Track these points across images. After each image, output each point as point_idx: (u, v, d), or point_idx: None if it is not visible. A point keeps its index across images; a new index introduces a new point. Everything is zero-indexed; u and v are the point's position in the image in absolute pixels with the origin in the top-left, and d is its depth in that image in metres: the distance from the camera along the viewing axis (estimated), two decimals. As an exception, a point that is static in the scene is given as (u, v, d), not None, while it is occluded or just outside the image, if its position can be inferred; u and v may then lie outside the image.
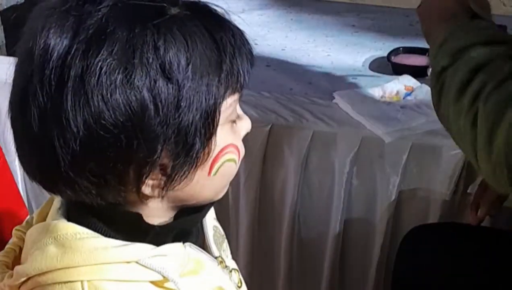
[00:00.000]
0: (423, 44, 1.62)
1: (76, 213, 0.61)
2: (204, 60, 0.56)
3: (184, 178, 0.59)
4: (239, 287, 0.73)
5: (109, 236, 0.60)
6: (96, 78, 0.52)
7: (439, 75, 0.85)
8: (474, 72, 0.79)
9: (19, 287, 0.60)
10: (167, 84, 0.54)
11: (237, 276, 0.73)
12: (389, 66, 1.53)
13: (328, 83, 1.47)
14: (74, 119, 0.52)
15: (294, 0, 2.03)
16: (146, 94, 0.53)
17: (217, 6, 0.60)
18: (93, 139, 0.53)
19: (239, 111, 0.65)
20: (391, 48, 1.59)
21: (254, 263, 1.47)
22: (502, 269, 1.08)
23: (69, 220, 0.61)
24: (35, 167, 0.57)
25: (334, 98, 1.37)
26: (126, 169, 0.55)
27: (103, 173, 0.55)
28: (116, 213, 0.60)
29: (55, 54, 0.52)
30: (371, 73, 1.54)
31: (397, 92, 1.37)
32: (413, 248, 1.19)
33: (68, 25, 0.53)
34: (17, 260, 0.64)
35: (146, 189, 0.58)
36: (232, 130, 0.63)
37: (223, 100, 0.58)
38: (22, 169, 1.56)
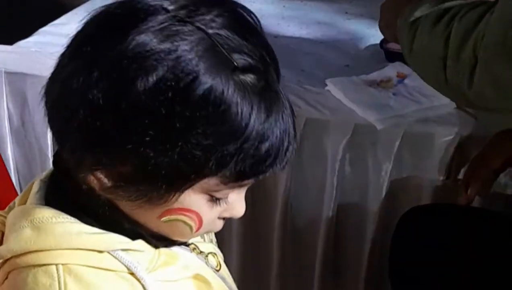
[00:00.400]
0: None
1: (54, 197, 0.62)
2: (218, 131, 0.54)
3: (129, 199, 0.58)
4: (218, 270, 0.73)
5: (86, 223, 0.60)
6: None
7: (412, 24, 0.93)
8: (447, 10, 0.88)
9: None
10: (180, 110, 0.53)
11: (215, 260, 0.73)
12: (381, 53, 1.52)
13: (321, 71, 1.47)
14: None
15: (286, -13, 2.02)
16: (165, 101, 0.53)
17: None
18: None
19: (236, 199, 0.63)
20: (382, 36, 1.59)
21: (247, 251, 1.47)
22: (497, 250, 1.10)
23: (47, 204, 0.61)
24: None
25: (326, 85, 1.37)
26: (89, 147, 0.56)
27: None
28: (91, 199, 0.59)
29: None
30: (364, 60, 1.53)
31: (390, 79, 1.37)
32: (410, 229, 1.20)
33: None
34: (0, 244, 0.64)
35: (91, 178, 0.57)
36: (209, 204, 0.60)
37: (205, 176, 0.56)
38: (14, 158, 1.55)
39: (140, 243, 0.62)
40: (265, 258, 1.47)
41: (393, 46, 1.54)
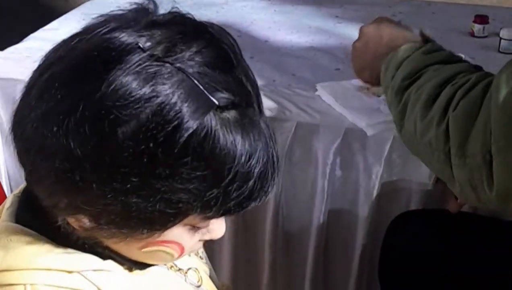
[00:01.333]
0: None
1: (25, 214, 0.60)
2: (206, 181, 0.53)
3: (109, 237, 0.57)
4: (199, 286, 0.72)
5: (56, 242, 0.58)
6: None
7: (401, 93, 0.87)
8: (440, 87, 0.81)
9: None
10: (161, 154, 0.51)
11: (195, 275, 0.72)
12: (372, 57, 1.53)
13: (311, 75, 1.47)
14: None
15: (277, -8, 2.03)
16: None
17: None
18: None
19: (217, 222, 0.62)
20: (374, 39, 1.59)
21: (238, 256, 1.47)
22: (487, 254, 1.10)
23: (17, 220, 0.60)
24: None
25: (316, 90, 1.37)
26: (66, 195, 0.54)
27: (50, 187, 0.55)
28: (66, 230, 0.58)
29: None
30: (354, 64, 1.54)
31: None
32: (400, 234, 1.21)
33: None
34: None
35: (71, 219, 0.56)
36: (190, 233, 0.60)
37: (188, 216, 0.56)
38: (5, 164, 1.55)
39: (111, 263, 0.61)
40: (256, 263, 1.47)
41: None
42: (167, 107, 0.50)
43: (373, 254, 1.36)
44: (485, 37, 1.66)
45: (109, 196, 0.52)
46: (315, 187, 1.35)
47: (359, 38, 1.02)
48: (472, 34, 1.67)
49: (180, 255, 0.61)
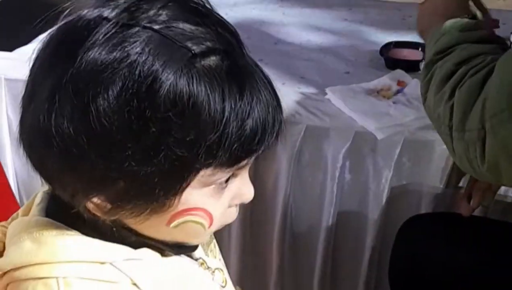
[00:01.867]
0: (415, 38, 1.63)
1: (55, 209, 0.61)
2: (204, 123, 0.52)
3: (132, 215, 0.57)
4: (223, 286, 0.72)
5: (87, 235, 0.59)
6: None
7: (430, 66, 0.91)
8: (458, 65, 0.85)
9: None
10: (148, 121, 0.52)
11: (221, 276, 0.72)
12: (381, 61, 1.53)
13: (321, 78, 1.47)
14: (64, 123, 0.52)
15: (286, -6, 2.03)
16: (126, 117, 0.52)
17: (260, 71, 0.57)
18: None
19: (241, 183, 0.61)
20: (384, 42, 1.59)
21: (247, 258, 1.47)
22: (498, 258, 1.10)
23: (47, 215, 0.61)
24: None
25: (326, 93, 1.37)
26: (76, 179, 0.55)
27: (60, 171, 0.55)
28: (96, 222, 0.58)
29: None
30: (364, 67, 1.54)
31: (390, 87, 1.37)
32: (410, 237, 1.20)
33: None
34: (1, 255, 0.64)
35: (90, 205, 0.57)
36: (214, 197, 0.59)
37: (198, 171, 0.55)
38: (14, 165, 1.55)
39: (143, 252, 0.61)
40: (264, 265, 1.47)
41: (393, 54, 1.55)
42: (140, 64, 0.50)
43: (382, 257, 1.36)
44: (499, 37, 1.65)
45: (112, 168, 0.53)
46: (324, 190, 1.34)
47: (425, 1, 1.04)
48: (482, 38, 1.66)
49: (212, 224, 0.60)
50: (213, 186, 0.58)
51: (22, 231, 0.59)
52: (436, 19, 0.95)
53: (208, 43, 0.53)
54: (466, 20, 0.93)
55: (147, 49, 0.51)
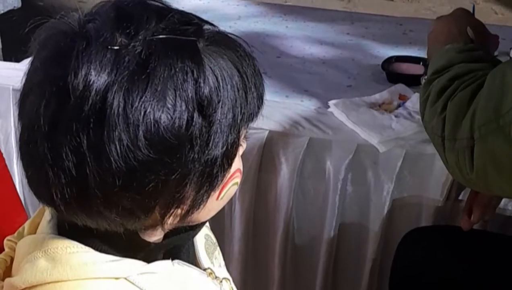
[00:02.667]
0: (416, 52, 1.66)
1: (67, 226, 0.61)
2: (232, 95, 0.56)
3: (202, 206, 0.60)
4: None
5: (100, 251, 0.60)
6: (140, 118, 0.51)
7: (427, 86, 0.96)
8: (451, 80, 0.91)
9: None
10: (201, 121, 0.54)
11: (228, 286, 0.74)
12: (383, 74, 1.55)
13: (323, 91, 1.49)
14: (114, 155, 0.51)
15: (289, 8, 2.05)
16: (184, 131, 0.53)
17: (232, 34, 0.60)
18: (130, 177, 0.53)
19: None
20: (385, 56, 1.61)
21: (248, 269, 1.48)
22: (498, 271, 1.11)
23: (59, 233, 0.61)
24: (58, 197, 0.55)
25: (329, 106, 1.39)
26: (155, 203, 0.56)
27: (133, 207, 0.55)
28: (113, 231, 0.59)
29: (94, 90, 0.51)
30: (366, 81, 1.56)
31: (391, 101, 1.39)
32: (411, 250, 1.21)
33: (107, 60, 0.51)
34: (8, 270, 0.64)
35: (170, 219, 0.59)
36: (238, 155, 0.63)
37: (242, 132, 0.60)
38: (20, 174, 1.56)
39: (156, 265, 0.62)
40: (265, 276, 1.48)
41: (394, 68, 1.57)
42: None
43: (383, 269, 1.37)
44: (496, 56, 1.67)
45: (181, 170, 0.55)
46: (326, 202, 1.36)
47: (432, 29, 1.10)
48: (482, 53, 1.68)
49: (241, 180, 0.65)
50: (241, 144, 0.62)
51: (36, 249, 0.59)
52: (439, 46, 1.01)
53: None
54: (463, 44, 0.99)
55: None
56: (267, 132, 1.32)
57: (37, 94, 0.53)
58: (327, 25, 1.90)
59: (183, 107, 0.53)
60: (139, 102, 0.51)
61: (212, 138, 0.55)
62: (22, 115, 0.55)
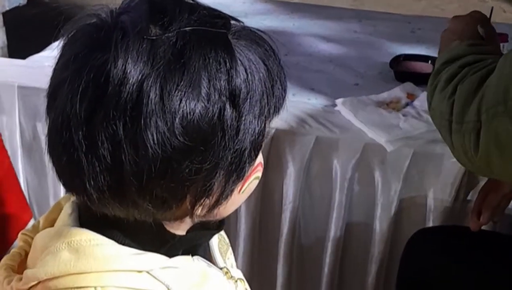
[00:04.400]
0: (424, 51, 1.64)
1: (89, 219, 0.61)
2: (260, 87, 0.57)
3: (229, 198, 0.61)
4: None
5: (123, 244, 0.60)
6: (176, 106, 0.52)
7: (436, 75, 0.98)
8: (462, 67, 0.93)
9: None
10: (233, 111, 0.55)
11: (243, 286, 0.74)
12: (391, 73, 1.54)
13: (331, 89, 1.48)
14: (151, 142, 0.52)
15: (296, 6, 2.04)
16: (217, 120, 0.54)
17: (258, 30, 0.61)
18: (166, 164, 0.53)
19: None
20: (393, 55, 1.60)
21: (254, 269, 1.47)
22: (506, 272, 1.10)
23: (81, 225, 0.62)
24: (91, 186, 0.55)
25: (336, 105, 1.38)
26: (187, 191, 0.57)
27: (166, 195, 0.56)
28: (138, 223, 0.59)
29: (131, 79, 0.52)
30: (373, 79, 1.55)
31: (399, 100, 1.37)
32: (418, 251, 1.20)
33: (143, 50, 0.52)
34: (22, 263, 0.65)
35: (199, 210, 0.59)
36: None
37: (269, 123, 0.61)
38: (25, 172, 1.56)
39: (177, 260, 0.62)
40: (271, 276, 1.47)
41: (402, 66, 1.56)
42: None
43: (389, 269, 1.36)
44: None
45: (231, 153, 0.56)
46: (333, 201, 1.35)
47: (447, 27, 1.10)
48: (491, 52, 1.67)
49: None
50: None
51: (59, 241, 0.60)
52: (450, 40, 1.03)
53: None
54: (473, 40, 1.00)
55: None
56: (273, 131, 1.31)
57: (73, 83, 0.53)
58: (334, 23, 1.88)
59: (217, 97, 0.54)
60: (175, 91, 0.52)
61: (242, 128, 0.56)
62: (55, 105, 0.55)
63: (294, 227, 1.39)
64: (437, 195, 1.28)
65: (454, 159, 1.23)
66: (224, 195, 0.60)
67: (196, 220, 0.63)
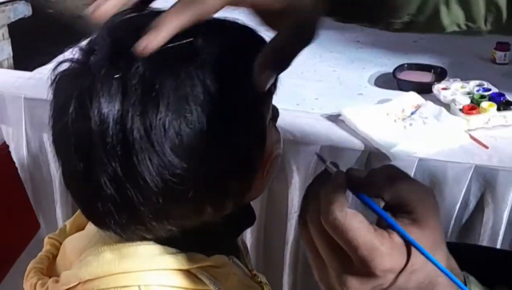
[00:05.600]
0: (427, 60, 1.65)
1: None
2: (237, 83, 0.57)
3: (253, 189, 0.62)
4: None
5: (163, 243, 0.61)
6: (162, 135, 0.53)
7: None
8: None
9: None
10: (219, 117, 0.55)
11: None
12: (394, 82, 1.54)
13: (334, 99, 1.49)
14: (149, 176, 0.53)
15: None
16: (205, 133, 0.54)
17: (228, 21, 0.61)
18: (170, 190, 0.54)
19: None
20: (396, 64, 1.61)
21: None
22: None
23: None
24: (112, 224, 0.57)
25: (340, 114, 1.39)
26: (204, 203, 0.58)
27: (184, 213, 0.57)
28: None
29: (111, 121, 0.52)
30: (377, 89, 1.55)
31: (403, 109, 1.38)
32: None
33: (115, 89, 0.53)
34: (50, 266, 0.67)
35: (223, 211, 0.60)
36: (270, 127, 0.64)
37: (266, 114, 0.61)
38: (31, 183, 1.55)
39: (215, 259, 0.63)
40: (277, 285, 1.47)
41: (405, 75, 1.56)
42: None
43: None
44: (507, 64, 1.67)
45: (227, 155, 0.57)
46: (337, 211, 1.34)
47: None
48: (494, 61, 1.68)
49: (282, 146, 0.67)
50: (269, 116, 0.63)
51: (99, 243, 0.61)
52: None
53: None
54: None
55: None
56: (278, 141, 1.32)
57: (66, 138, 0.55)
58: (337, 33, 1.89)
59: (199, 111, 0.54)
60: (157, 120, 0.52)
61: (232, 128, 0.56)
62: (59, 156, 0.58)
63: (299, 238, 1.40)
64: (442, 204, 1.29)
65: (460, 169, 1.23)
66: (244, 189, 0.61)
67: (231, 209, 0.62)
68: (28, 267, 0.66)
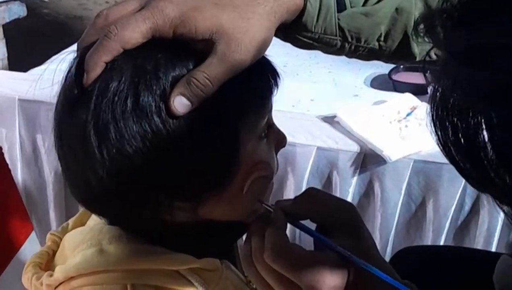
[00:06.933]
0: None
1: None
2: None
3: (225, 204, 0.58)
4: None
5: (154, 243, 0.61)
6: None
7: None
8: None
9: (56, 287, 0.61)
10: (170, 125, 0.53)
11: None
12: (390, 83, 1.54)
13: (330, 100, 1.48)
14: (100, 152, 0.52)
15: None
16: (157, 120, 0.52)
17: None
18: (121, 171, 0.53)
19: (276, 129, 0.64)
20: (391, 65, 1.60)
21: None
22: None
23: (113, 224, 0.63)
24: (79, 197, 0.58)
25: (335, 116, 1.38)
26: (157, 195, 0.55)
27: (138, 200, 0.55)
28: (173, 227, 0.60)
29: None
30: (373, 90, 1.55)
31: (399, 111, 1.38)
32: (399, 270, 1.17)
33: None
34: (50, 262, 0.67)
35: (178, 214, 0.57)
36: (265, 144, 0.61)
37: (248, 134, 0.58)
38: (24, 185, 1.55)
39: (205, 262, 0.63)
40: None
41: (401, 77, 1.56)
42: None
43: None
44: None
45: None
46: (333, 213, 1.34)
47: None
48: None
49: (272, 174, 0.63)
50: (260, 134, 0.60)
51: (91, 239, 0.61)
52: None
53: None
54: None
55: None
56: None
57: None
58: (333, 34, 1.89)
59: (149, 96, 0.52)
60: (123, 125, 0.53)
61: (185, 139, 0.53)
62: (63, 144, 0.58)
63: (294, 239, 1.39)
64: (438, 207, 1.29)
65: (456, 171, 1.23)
66: (203, 200, 0.57)
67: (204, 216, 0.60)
68: (28, 261, 0.67)
